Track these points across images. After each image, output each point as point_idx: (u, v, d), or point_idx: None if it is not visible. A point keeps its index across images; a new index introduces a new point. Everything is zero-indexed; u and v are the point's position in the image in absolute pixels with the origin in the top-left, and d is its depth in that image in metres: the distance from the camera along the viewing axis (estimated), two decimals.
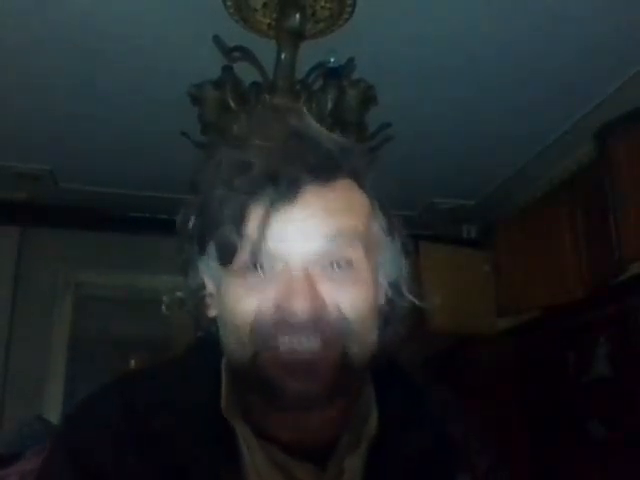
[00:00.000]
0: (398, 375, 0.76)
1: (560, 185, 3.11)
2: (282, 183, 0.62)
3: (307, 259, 0.63)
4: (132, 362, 5.25)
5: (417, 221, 3.52)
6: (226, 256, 0.65)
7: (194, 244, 0.71)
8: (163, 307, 0.77)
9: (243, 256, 0.64)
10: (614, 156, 2.51)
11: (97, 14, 2.17)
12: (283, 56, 1.94)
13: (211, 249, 0.68)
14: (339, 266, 0.64)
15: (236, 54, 2.08)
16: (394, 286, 0.72)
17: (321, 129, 0.68)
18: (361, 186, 0.69)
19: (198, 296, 0.72)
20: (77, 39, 2.30)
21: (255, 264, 0.63)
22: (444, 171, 3.33)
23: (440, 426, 0.74)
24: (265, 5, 2.07)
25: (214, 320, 0.71)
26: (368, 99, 2.03)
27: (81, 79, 2.54)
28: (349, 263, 0.65)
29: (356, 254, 0.65)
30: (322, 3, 2.08)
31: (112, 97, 2.68)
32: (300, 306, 0.61)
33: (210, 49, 2.11)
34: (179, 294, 0.75)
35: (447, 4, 2.12)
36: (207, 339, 0.72)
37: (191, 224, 0.71)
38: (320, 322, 0.62)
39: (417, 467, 0.69)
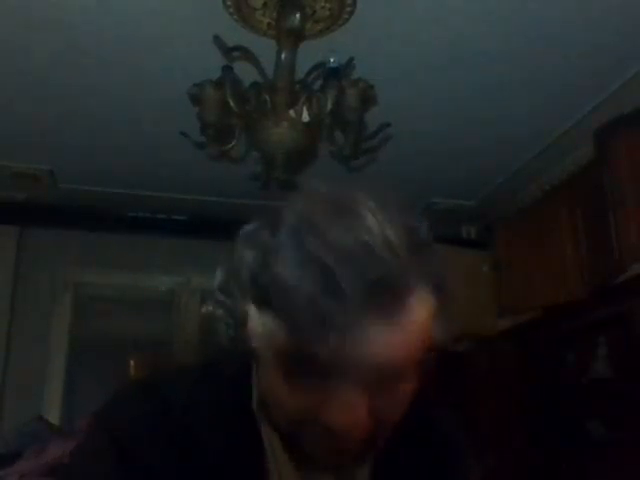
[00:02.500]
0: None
1: (560, 185, 3.11)
2: (351, 302, 0.59)
3: (362, 382, 0.62)
4: (131, 362, 5.25)
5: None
6: (285, 367, 0.63)
7: (247, 281, 0.67)
8: (203, 309, 0.76)
9: (302, 361, 0.62)
10: (614, 156, 2.51)
11: (97, 14, 2.17)
12: (283, 56, 1.94)
13: (266, 311, 0.65)
14: (393, 385, 0.64)
15: (236, 54, 2.08)
16: (436, 341, 0.70)
17: (393, 232, 0.62)
18: (426, 285, 0.65)
19: (238, 323, 0.70)
20: (77, 39, 2.30)
21: (313, 372, 0.62)
22: (444, 171, 3.34)
23: (443, 443, 0.81)
24: (265, 5, 2.07)
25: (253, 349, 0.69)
26: (368, 99, 2.03)
27: (81, 79, 2.54)
28: (404, 382, 0.65)
29: (412, 373, 0.66)
30: (322, 3, 2.07)
31: (112, 97, 2.68)
32: (345, 422, 0.62)
33: (210, 49, 2.11)
34: (219, 313, 0.73)
35: (447, 4, 2.12)
36: (238, 345, 0.72)
37: (251, 267, 0.66)
38: (360, 431, 0.63)
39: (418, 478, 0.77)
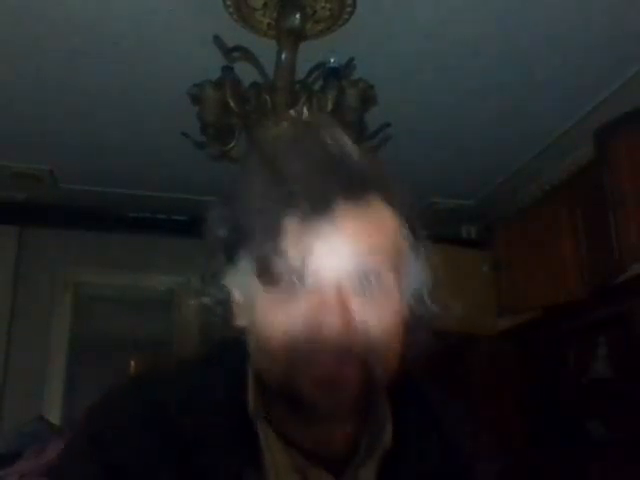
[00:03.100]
0: (413, 387, 0.77)
1: (560, 185, 3.11)
2: (316, 199, 0.63)
3: (339, 277, 0.64)
4: (131, 362, 5.26)
5: None
6: (261, 272, 0.65)
7: (223, 253, 0.71)
8: (187, 312, 0.76)
9: (277, 272, 0.64)
10: (614, 156, 2.51)
11: (97, 14, 2.17)
12: (283, 56, 1.94)
13: (242, 262, 0.69)
14: (370, 284, 0.65)
15: (236, 54, 2.08)
16: (418, 296, 0.72)
17: (353, 145, 0.68)
18: (389, 202, 0.70)
19: (225, 305, 0.72)
20: (77, 39, 2.30)
21: (288, 280, 0.64)
22: (444, 171, 3.34)
23: (453, 441, 0.77)
24: (265, 5, 2.07)
25: (241, 330, 0.71)
26: (368, 99, 2.03)
27: (81, 79, 2.54)
28: (380, 281, 0.66)
29: (386, 272, 0.66)
30: (322, 3, 2.07)
31: (112, 97, 2.68)
32: (331, 323, 0.62)
33: (210, 49, 2.11)
34: (206, 300, 0.73)
35: (447, 4, 2.12)
36: (232, 339, 0.73)
37: (221, 234, 0.71)
38: (349, 340, 0.63)
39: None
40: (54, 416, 3.48)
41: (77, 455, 0.68)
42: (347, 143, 0.68)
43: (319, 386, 0.63)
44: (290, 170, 0.64)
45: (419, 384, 0.79)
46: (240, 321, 0.71)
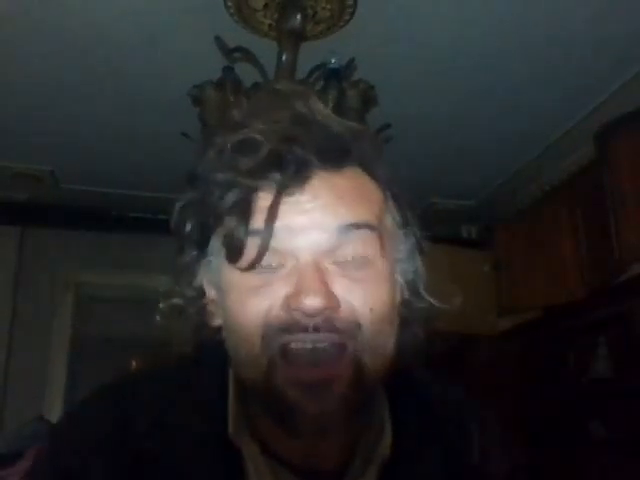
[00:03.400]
0: (413, 389, 0.71)
1: (560, 185, 3.12)
2: (289, 166, 0.56)
3: (318, 252, 0.57)
4: (132, 362, 5.25)
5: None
6: (232, 252, 0.58)
7: (192, 246, 0.65)
8: (157, 316, 0.68)
9: (250, 252, 0.57)
10: (614, 156, 2.51)
11: (97, 14, 2.17)
12: (284, 57, 1.94)
13: (213, 248, 0.63)
14: (354, 261, 0.58)
15: (237, 55, 2.08)
16: (411, 285, 0.66)
17: (329, 112, 0.62)
18: (372, 175, 0.64)
19: (198, 304, 0.66)
20: (77, 39, 2.30)
21: (262, 260, 0.57)
22: (444, 171, 3.34)
23: (457, 442, 0.70)
24: (266, 6, 2.08)
25: (217, 330, 0.65)
26: (368, 99, 2.03)
27: (81, 79, 2.54)
28: (364, 258, 0.59)
29: (371, 248, 0.59)
30: (323, 4, 2.08)
31: (113, 97, 2.68)
32: (310, 303, 0.55)
33: (211, 50, 2.11)
34: (176, 301, 0.67)
35: (447, 4, 2.12)
36: (210, 348, 0.66)
37: (189, 224, 0.65)
38: (332, 321, 0.56)
39: None
40: (54, 416, 3.48)
41: None
42: (323, 111, 0.61)
43: (301, 385, 0.56)
44: (259, 135, 0.57)
45: (419, 383, 0.73)
46: (215, 320, 0.65)
